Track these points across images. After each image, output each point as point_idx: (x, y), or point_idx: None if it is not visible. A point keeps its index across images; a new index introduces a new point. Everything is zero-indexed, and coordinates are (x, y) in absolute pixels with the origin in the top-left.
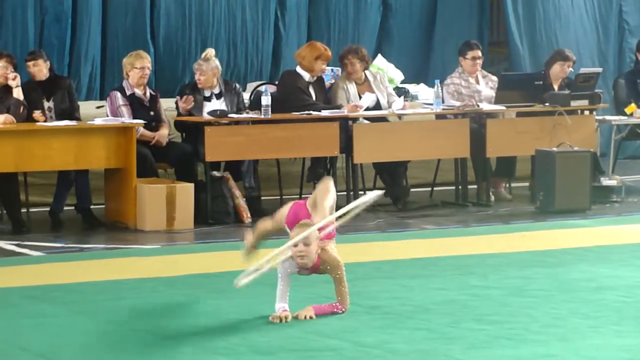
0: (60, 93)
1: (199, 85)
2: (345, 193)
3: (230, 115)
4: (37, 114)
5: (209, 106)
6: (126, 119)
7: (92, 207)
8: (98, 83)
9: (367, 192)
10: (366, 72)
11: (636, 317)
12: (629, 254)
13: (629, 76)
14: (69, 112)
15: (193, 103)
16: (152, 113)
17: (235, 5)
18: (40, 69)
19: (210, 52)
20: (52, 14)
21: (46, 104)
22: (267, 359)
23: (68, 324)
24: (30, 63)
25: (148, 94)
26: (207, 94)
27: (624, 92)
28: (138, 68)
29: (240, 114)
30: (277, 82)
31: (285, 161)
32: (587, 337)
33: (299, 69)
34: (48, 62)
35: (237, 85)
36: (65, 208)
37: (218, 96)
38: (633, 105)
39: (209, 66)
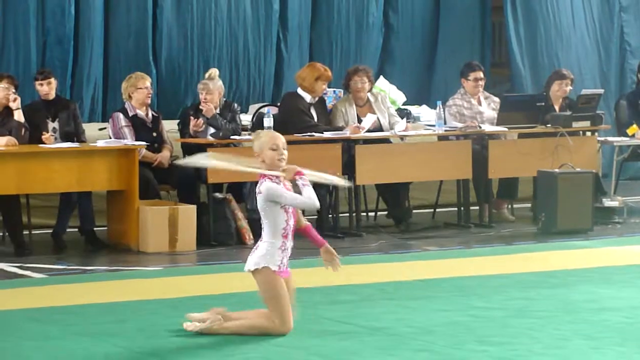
0: (65, 114)
1: (202, 105)
2: (347, 214)
3: (232, 137)
4: (46, 136)
5: (211, 129)
6: (129, 140)
7: (95, 229)
8: (100, 105)
9: (369, 213)
10: (368, 94)
11: (639, 338)
12: (632, 275)
13: (630, 97)
14: (74, 134)
15: (203, 126)
16: (154, 134)
17: (237, 26)
18: (52, 88)
19: (215, 71)
20: (54, 35)
21: (51, 125)
22: None
23: (71, 346)
24: (43, 82)
25: (150, 115)
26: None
27: (626, 113)
28: (143, 88)
29: (236, 135)
30: (278, 104)
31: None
32: (590, 358)
33: (300, 91)
34: (56, 82)
35: (236, 105)
36: (67, 230)
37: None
38: (635, 126)
39: (214, 85)
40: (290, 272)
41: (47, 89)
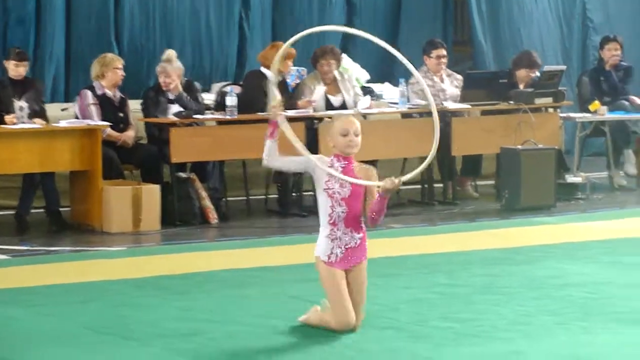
0: (32, 93)
1: (164, 88)
2: (311, 193)
3: (195, 116)
4: (9, 117)
5: (173, 109)
6: (95, 118)
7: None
8: (62, 85)
9: None
10: (334, 72)
11: (602, 313)
12: (595, 251)
13: (592, 73)
14: (40, 113)
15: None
16: (120, 114)
17: (200, 6)
18: (25, 69)
19: (172, 52)
20: (15, 16)
21: (17, 104)
22: (233, 359)
23: (36, 326)
24: (20, 63)
25: (118, 96)
26: (170, 96)
27: (588, 89)
28: (118, 68)
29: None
30: (241, 83)
31: (251, 162)
32: (554, 333)
33: (263, 69)
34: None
35: (197, 84)
36: (31, 211)
37: (178, 101)
38: (597, 102)
39: (172, 67)
40: (354, 263)
41: (22, 70)
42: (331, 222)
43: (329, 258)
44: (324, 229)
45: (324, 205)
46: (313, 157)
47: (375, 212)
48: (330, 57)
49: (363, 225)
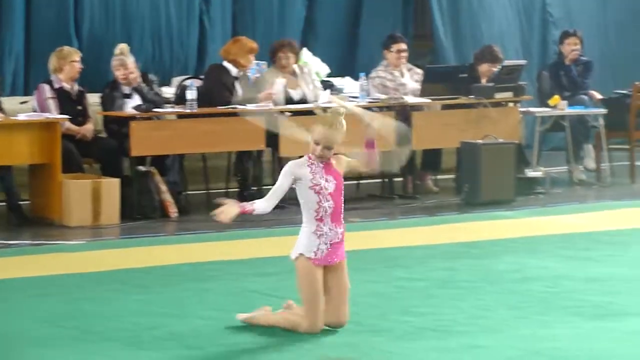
0: None
1: (124, 81)
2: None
3: (155, 110)
4: None
5: (130, 103)
6: (53, 111)
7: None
8: (22, 79)
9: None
10: (294, 65)
11: (562, 307)
12: (554, 245)
13: (552, 68)
14: None
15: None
16: (79, 108)
17: None
18: None
19: (125, 47)
20: None
21: None
22: (194, 353)
23: None
24: None
25: (76, 89)
26: (127, 90)
27: (548, 84)
28: (76, 61)
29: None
30: (202, 76)
31: (211, 155)
32: (514, 327)
33: (226, 64)
34: None
35: (152, 76)
36: None
37: (137, 91)
38: (557, 97)
39: (129, 60)
40: (339, 258)
41: None
42: (318, 217)
43: (315, 254)
44: (309, 226)
45: (310, 202)
46: (290, 169)
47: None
48: (287, 50)
49: (342, 220)
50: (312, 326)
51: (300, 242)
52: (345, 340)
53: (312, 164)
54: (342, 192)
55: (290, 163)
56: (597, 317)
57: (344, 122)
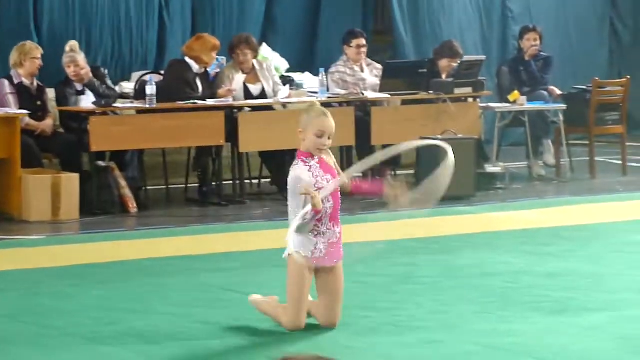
0: None
1: (75, 79)
2: (231, 182)
3: (115, 105)
4: None
5: (83, 99)
6: (12, 107)
7: None
8: None
9: (253, 181)
10: (253, 61)
11: (521, 302)
12: (514, 240)
13: (512, 63)
14: None
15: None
16: (39, 103)
17: None
18: None
19: (75, 43)
20: None
21: None
22: (152, 349)
23: None
24: None
25: (36, 84)
26: (79, 87)
27: (507, 79)
28: (37, 58)
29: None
30: (163, 71)
31: (170, 151)
32: (473, 323)
33: (188, 60)
34: None
35: (103, 69)
36: None
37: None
38: (516, 92)
39: (80, 57)
40: (337, 258)
41: None
42: (317, 218)
43: (313, 254)
44: (307, 225)
45: (307, 200)
46: (299, 177)
47: (361, 191)
48: (245, 47)
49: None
50: (293, 323)
51: (297, 240)
52: (305, 335)
53: (308, 165)
54: (339, 189)
55: (294, 174)
56: (557, 313)
57: None
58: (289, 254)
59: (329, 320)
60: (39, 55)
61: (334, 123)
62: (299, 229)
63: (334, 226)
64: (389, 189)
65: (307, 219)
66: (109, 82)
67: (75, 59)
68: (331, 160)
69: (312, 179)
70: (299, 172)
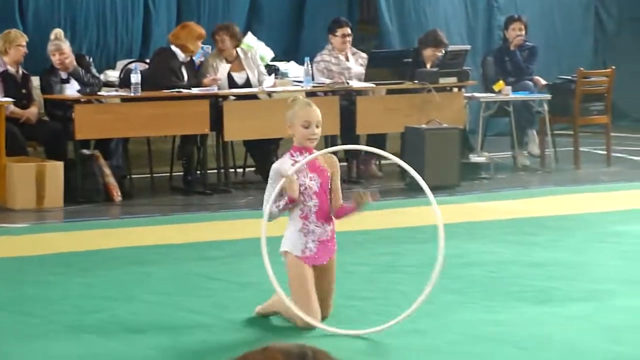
0: None
1: (60, 67)
2: (215, 171)
3: (100, 93)
4: None
5: (67, 88)
6: None
7: None
8: None
9: (237, 169)
10: (237, 49)
11: (505, 292)
12: (498, 230)
13: (497, 53)
14: None
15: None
16: (24, 91)
17: None
18: None
19: (60, 32)
20: None
21: None
22: (136, 337)
23: None
24: None
25: (21, 72)
26: (63, 75)
27: (492, 69)
28: (22, 45)
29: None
30: (148, 60)
31: (155, 139)
32: (457, 312)
33: (174, 48)
34: None
35: (88, 58)
36: None
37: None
38: (501, 82)
39: (65, 45)
40: (329, 256)
41: None
42: (302, 215)
43: (304, 253)
44: (295, 223)
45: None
46: (278, 168)
47: (342, 215)
48: (223, 33)
49: (333, 217)
50: (305, 321)
51: (287, 239)
52: (288, 324)
53: (294, 159)
54: (328, 190)
55: (274, 166)
56: (541, 302)
57: None
58: (285, 251)
59: (321, 313)
60: (24, 43)
61: (319, 112)
62: (271, 217)
63: (323, 224)
64: (358, 199)
65: (280, 206)
66: (94, 71)
67: (60, 46)
68: (330, 165)
69: (291, 168)
70: (279, 164)
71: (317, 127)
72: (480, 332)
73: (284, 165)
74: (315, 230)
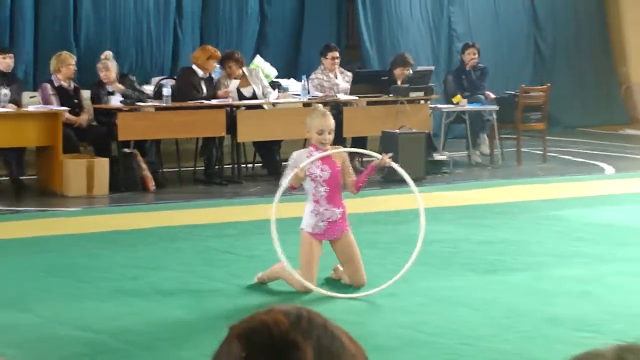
0: (15, 85)
1: (105, 80)
2: (230, 166)
3: (138, 103)
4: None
5: (112, 99)
6: (55, 105)
7: (27, 177)
8: (32, 77)
9: (248, 165)
10: (243, 69)
11: (460, 264)
12: (456, 215)
13: (455, 73)
14: (17, 102)
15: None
16: (75, 101)
17: (142, 14)
18: (12, 60)
19: (109, 53)
20: None
21: (3, 91)
22: (167, 299)
23: (6, 272)
24: (7, 55)
25: (72, 86)
26: (110, 89)
27: (452, 85)
28: (71, 64)
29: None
30: (176, 77)
31: (182, 140)
32: (422, 279)
33: (194, 67)
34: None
35: (131, 76)
36: (1, 179)
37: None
38: (459, 96)
39: (111, 64)
40: (338, 235)
41: (10, 61)
42: (315, 200)
43: (313, 230)
44: (310, 206)
45: (309, 186)
46: (296, 158)
47: (361, 182)
48: (229, 61)
49: (343, 201)
50: (302, 286)
51: (304, 218)
52: (289, 289)
53: (311, 154)
54: (338, 180)
55: (293, 154)
56: (489, 272)
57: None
58: (301, 228)
59: (357, 282)
60: (73, 62)
61: (332, 121)
62: (282, 187)
63: (332, 207)
64: (378, 164)
65: (283, 186)
66: (138, 86)
67: (107, 65)
68: (339, 159)
69: (306, 160)
70: (297, 154)
71: (329, 134)
72: (440, 295)
73: (301, 156)
74: (325, 212)
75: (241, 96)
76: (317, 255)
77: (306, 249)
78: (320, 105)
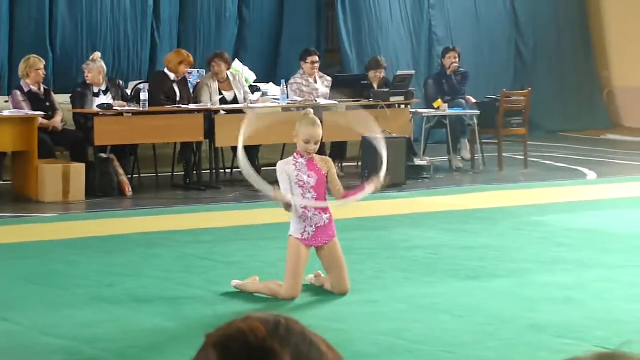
0: None
1: (88, 82)
2: (209, 171)
3: (115, 107)
4: None
5: (97, 101)
6: (27, 110)
7: (2, 183)
8: (6, 82)
9: (226, 170)
10: (228, 72)
11: (442, 270)
12: (436, 220)
13: (436, 77)
14: None
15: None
16: (47, 104)
17: (119, 18)
18: None
19: (97, 54)
20: None
21: None
22: (144, 306)
23: None
24: None
25: (42, 89)
26: (95, 90)
27: (433, 90)
28: (40, 69)
29: (126, 103)
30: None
31: (159, 145)
32: (403, 286)
33: (166, 70)
34: None
35: (121, 82)
36: None
37: (105, 92)
38: (440, 100)
39: (95, 65)
40: (326, 240)
41: None
42: (302, 205)
43: (302, 235)
44: (297, 211)
45: (297, 193)
46: (281, 167)
47: (351, 195)
48: (218, 60)
49: (330, 207)
50: (290, 292)
51: (292, 224)
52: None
53: (296, 162)
54: (324, 185)
55: (279, 163)
56: (471, 279)
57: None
58: (289, 235)
59: (341, 289)
60: (42, 67)
61: (320, 131)
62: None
63: (320, 213)
64: (370, 185)
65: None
66: (124, 90)
67: (89, 66)
68: (325, 167)
69: (293, 172)
70: (283, 163)
71: (315, 144)
72: (421, 302)
73: (286, 166)
74: (313, 217)
75: (223, 100)
76: (304, 263)
77: (293, 256)
78: (312, 111)
